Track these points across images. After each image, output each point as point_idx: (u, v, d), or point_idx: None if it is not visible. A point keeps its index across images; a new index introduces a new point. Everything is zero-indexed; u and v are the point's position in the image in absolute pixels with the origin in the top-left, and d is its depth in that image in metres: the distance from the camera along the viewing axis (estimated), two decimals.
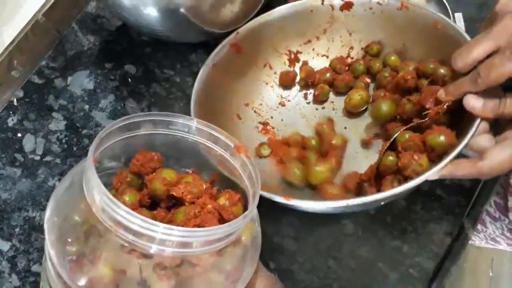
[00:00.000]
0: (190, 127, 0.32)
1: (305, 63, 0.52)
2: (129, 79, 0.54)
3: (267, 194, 0.36)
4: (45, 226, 0.28)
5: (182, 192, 0.29)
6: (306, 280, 0.47)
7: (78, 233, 0.27)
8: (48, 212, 0.28)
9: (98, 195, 0.25)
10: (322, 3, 0.49)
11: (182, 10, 0.44)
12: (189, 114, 0.44)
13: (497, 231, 0.65)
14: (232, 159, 0.32)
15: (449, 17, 0.54)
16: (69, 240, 0.27)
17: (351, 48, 0.52)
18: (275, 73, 0.52)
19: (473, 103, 0.35)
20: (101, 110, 0.53)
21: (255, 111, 0.51)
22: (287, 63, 0.52)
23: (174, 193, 0.29)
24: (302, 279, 0.47)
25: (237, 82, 0.50)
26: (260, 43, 0.50)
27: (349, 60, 0.52)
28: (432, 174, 0.34)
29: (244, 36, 0.48)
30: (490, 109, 0.34)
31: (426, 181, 0.36)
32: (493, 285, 1.16)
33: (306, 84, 0.52)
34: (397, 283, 0.47)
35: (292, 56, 0.52)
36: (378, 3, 0.48)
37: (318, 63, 0.52)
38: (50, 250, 0.26)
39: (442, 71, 0.41)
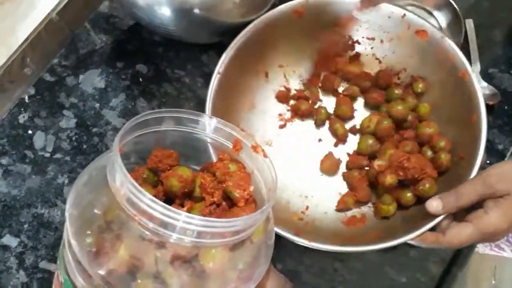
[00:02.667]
0: (209, 126, 0.33)
1: (357, 55, 0.51)
2: (140, 79, 0.55)
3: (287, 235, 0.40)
4: (66, 216, 0.28)
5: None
6: (313, 282, 0.47)
7: (99, 223, 0.28)
8: (68, 204, 0.29)
9: (123, 183, 0.26)
10: (403, 17, 0.47)
11: (196, 10, 0.44)
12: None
13: None
14: (249, 159, 0.33)
15: (460, 23, 0.55)
16: (90, 229, 0.28)
17: (404, 69, 0.50)
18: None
19: (435, 208, 0.39)
20: (112, 109, 0.53)
21: (285, 76, 0.52)
22: (342, 46, 0.51)
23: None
24: (308, 281, 0.47)
25: (277, 53, 0.50)
26: (328, 17, 0.49)
27: (395, 78, 0.51)
28: (405, 240, 0.40)
29: (314, 4, 0.47)
30: (450, 207, 0.39)
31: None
32: None
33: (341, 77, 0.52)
34: (403, 287, 0.47)
35: (350, 42, 0.51)
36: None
37: (369, 63, 0.51)
38: (71, 240, 0.27)
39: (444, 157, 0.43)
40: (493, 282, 1.18)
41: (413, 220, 0.42)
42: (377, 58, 0.51)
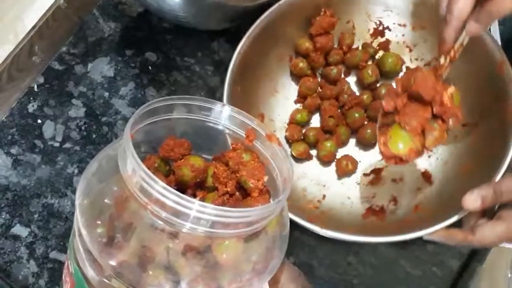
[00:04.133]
0: (222, 114, 0.32)
1: (387, 42, 0.49)
2: (150, 67, 0.54)
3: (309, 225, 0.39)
4: (76, 205, 0.28)
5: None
6: (326, 275, 0.46)
7: (110, 212, 0.27)
8: (78, 193, 0.28)
9: (135, 171, 0.25)
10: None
11: None
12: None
13: None
14: (263, 148, 0.32)
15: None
16: (100, 219, 0.27)
17: (436, 59, 0.47)
18: (354, 33, 0.50)
19: (472, 204, 0.36)
20: (121, 97, 0.52)
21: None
22: (371, 31, 0.50)
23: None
24: (321, 274, 0.46)
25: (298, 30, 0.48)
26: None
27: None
28: (425, 234, 0.38)
29: None
30: (489, 202, 0.36)
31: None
32: (511, 286, 1.13)
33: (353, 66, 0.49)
34: (419, 282, 0.46)
35: (381, 28, 0.49)
36: None
37: (398, 51, 0.49)
38: (82, 230, 0.26)
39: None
40: (509, 275, 1.16)
41: (432, 215, 0.40)
42: (407, 46, 0.49)
